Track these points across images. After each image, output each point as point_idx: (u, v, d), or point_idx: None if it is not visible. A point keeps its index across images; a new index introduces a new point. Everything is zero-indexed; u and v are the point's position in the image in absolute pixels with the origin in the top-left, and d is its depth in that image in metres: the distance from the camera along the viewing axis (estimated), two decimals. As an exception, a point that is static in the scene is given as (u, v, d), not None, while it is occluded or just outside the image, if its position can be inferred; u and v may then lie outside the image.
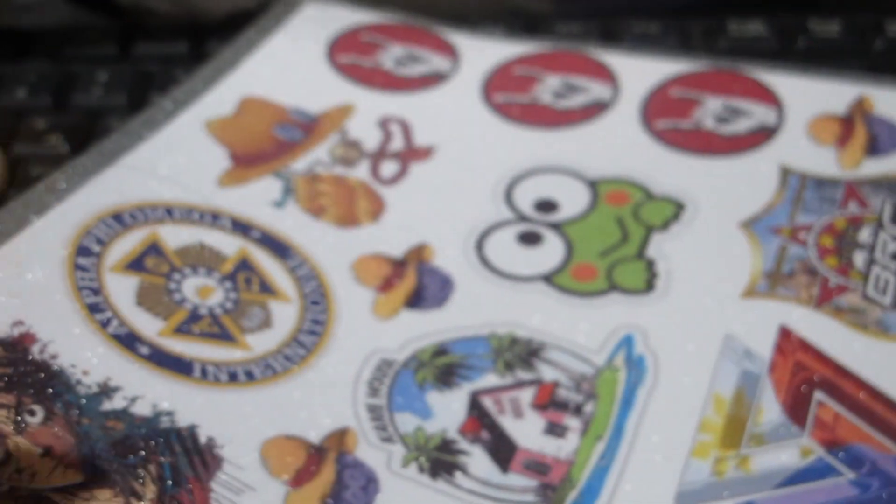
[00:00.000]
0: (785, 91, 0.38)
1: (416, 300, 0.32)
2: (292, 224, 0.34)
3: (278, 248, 0.33)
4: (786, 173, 0.34)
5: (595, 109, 0.38)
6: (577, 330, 0.31)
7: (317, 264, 0.32)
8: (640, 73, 0.39)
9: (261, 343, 0.30)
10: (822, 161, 0.35)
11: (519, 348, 0.30)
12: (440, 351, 0.30)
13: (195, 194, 0.34)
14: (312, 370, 0.30)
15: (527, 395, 0.30)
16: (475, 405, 0.29)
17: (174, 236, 0.32)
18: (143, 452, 0.27)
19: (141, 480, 0.26)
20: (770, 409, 0.29)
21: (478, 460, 0.28)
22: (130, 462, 0.27)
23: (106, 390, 0.28)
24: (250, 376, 0.29)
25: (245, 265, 0.32)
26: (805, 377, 0.29)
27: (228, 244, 0.32)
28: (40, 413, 0.27)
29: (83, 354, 0.28)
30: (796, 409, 0.29)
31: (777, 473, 0.28)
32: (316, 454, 0.28)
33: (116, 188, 0.33)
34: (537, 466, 0.28)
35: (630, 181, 0.35)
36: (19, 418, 0.26)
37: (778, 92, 0.37)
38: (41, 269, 0.30)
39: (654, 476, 0.28)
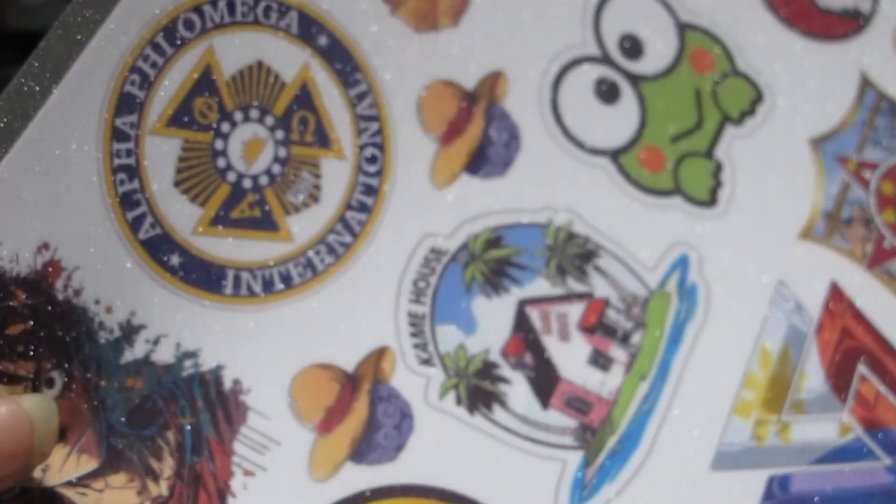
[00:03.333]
0: None
1: (479, 160, 0.27)
2: (366, 20, 0.27)
3: (344, 63, 0.27)
4: (864, 84, 0.31)
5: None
6: (635, 236, 0.28)
7: (381, 94, 0.27)
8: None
9: (304, 229, 0.26)
10: None
11: (574, 248, 0.27)
12: (494, 240, 0.27)
13: None
14: (356, 267, 0.26)
15: (575, 312, 0.27)
16: (521, 319, 0.26)
17: (230, 52, 0.26)
18: (162, 419, 0.24)
19: (159, 457, 0.24)
20: (813, 376, 0.28)
21: (518, 391, 0.26)
22: (148, 433, 0.24)
23: (128, 333, 0.25)
24: (287, 281, 0.26)
25: (304, 98, 0.27)
26: (850, 346, 0.28)
27: (290, 61, 0.27)
28: (59, 382, 0.24)
29: (109, 279, 0.25)
30: (839, 379, 0.28)
31: (815, 448, 0.27)
32: (349, 386, 0.25)
33: None
34: (578, 403, 0.26)
35: (719, 39, 0.30)
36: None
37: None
38: (72, 149, 0.25)
39: (695, 430, 0.26)
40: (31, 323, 0.24)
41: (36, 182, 0.25)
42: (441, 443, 0.25)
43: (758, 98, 0.31)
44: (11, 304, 0.24)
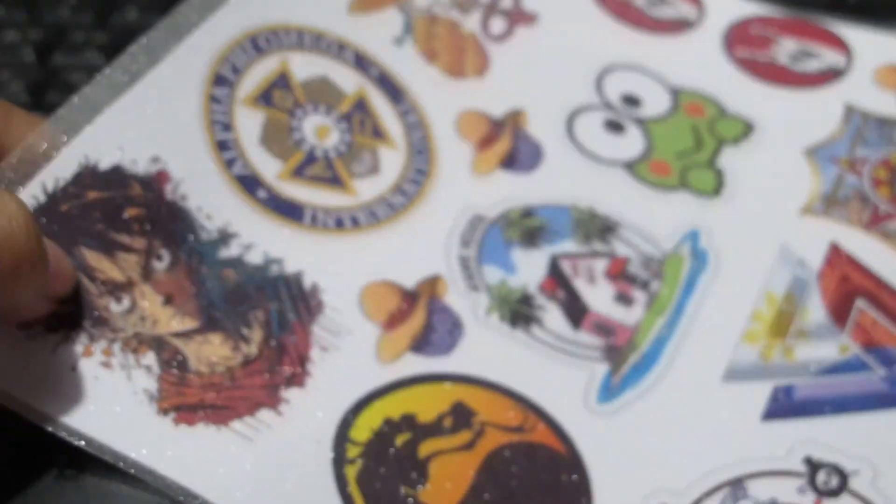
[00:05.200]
0: (854, 40, 0.40)
1: (510, 162, 0.35)
2: (408, 65, 0.36)
3: (393, 91, 0.35)
4: (850, 111, 0.37)
5: (681, 26, 0.40)
6: (650, 218, 0.34)
7: (425, 113, 0.35)
8: (725, 4, 0.42)
9: (367, 189, 0.33)
10: (885, 105, 0.38)
11: (597, 223, 0.33)
12: (527, 212, 0.34)
13: (325, 17, 0.36)
14: (411, 220, 0.33)
15: (601, 265, 0.33)
16: (554, 266, 0.32)
17: (302, 67, 0.34)
18: (252, 302, 0.30)
19: (249, 327, 0.29)
20: (815, 311, 0.32)
21: (553, 316, 0.32)
22: (241, 310, 0.30)
23: (224, 237, 0.30)
24: (355, 223, 0.32)
25: (361, 106, 0.35)
26: (849, 287, 0.33)
27: (349, 81, 0.35)
28: (167, 258, 0.29)
29: (209, 196, 0.31)
30: (839, 312, 0.32)
31: (816, 363, 0.31)
32: (409, 298, 0.31)
33: (254, 10, 0.35)
34: (605, 328, 0.32)
35: (708, 96, 0.38)
36: (148, 264, 0.29)
37: (847, 40, 0.40)
38: (181, 100, 0.32)
39: (708, 351, 0.31)
40: (145, 210, 0.29)
41: (153, 113, 0.31)
42: (486, 347, 0.31)
43: (749, 129, 0.37)
44: (130, 193, 0.29)
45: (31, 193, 0.28)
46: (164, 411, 0.27)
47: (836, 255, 0.34)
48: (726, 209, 0.34)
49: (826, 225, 0.34)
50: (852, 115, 0.37)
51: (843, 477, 0.29)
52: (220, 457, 0.27)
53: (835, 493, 0.29)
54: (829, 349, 0.32)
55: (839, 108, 0.38)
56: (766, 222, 0.34)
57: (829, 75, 0.39)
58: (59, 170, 0.29)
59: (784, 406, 0.30)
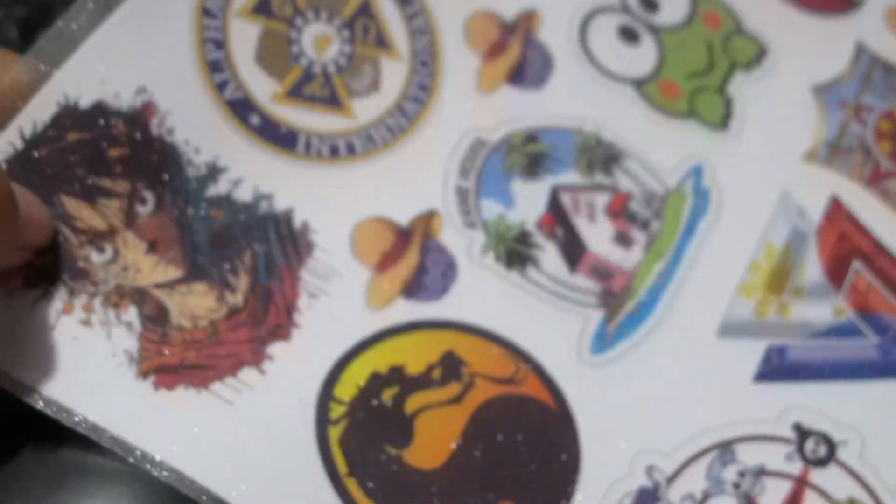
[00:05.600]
0: None
1: (518, 77, 0.32)
2: None
3: None
4: (860, 51, 0.36)
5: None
6: (655, 147, 0.32)
7: (433, 15, 0.32)
8: None
9: (365, 110, 0.30)
10: (893, 50, 0.36)
11: (601, 151, 0.31)
12: (531, 137, 0.31)
13: None
14: (410, 146, 0.30)
15: (602, 200, 0.31)
16: (554, 200, 0.30)
17: None
18: (238, 245, 0.28)
19: (235, 273, 0.28)
20: (812, 269, 0.31)
21: (549, 256, 0.30)
22: (227, 254, 0.28)
23: (212, 172, 0.28)
24: (351, 150, 0.30)
25: (366, 9, 0.31)
26: (847, 247, 0.32)
27: None
28: (151, 202, 0.27)
29: (197, 126, 0.28)
30: (835, 272, 0.31)
31: (811, 325, 0.30)
32: (402, 237, 0.29)
33: None
34: (602, 272, 0.30)
35: (727, 5, 0.35)
36: (131, 209, 0.27)
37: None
38: (171, 17, 0.29)
39: (704, 303, 0.30)
40: (129, 149, 0.28)
41: (138, 39, 0.29)
42: (480, 291, 0.29)
43: (762, 53, 0.35)
44: (113, 131, 0.28)
45: (8, 140, 0.26)
46: (143, 374, 0.26)
47: (837, 211, 0.32)
48: (732, 145, 0.33)
49: (828, 176, 0.33)
50: (862, 56, 0.36)
51: (832, 446, 0.29)
52: (199, 425, 0.26)
53: (822, 462, 0.29)
54: (824, 311, 0.31)
55: (850, 44, 0.36)
56: (770, 165, 0.33)
57: (846, 3, 0.37)
58: (36, 111, 0.27)
59: (776, 368, 0.30)
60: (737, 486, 0.28)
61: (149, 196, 0.27)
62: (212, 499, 0.25)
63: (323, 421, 0.26)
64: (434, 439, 0.27)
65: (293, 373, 0.27)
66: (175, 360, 0.26)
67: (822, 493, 0.28)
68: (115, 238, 0.27)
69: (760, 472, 0.28)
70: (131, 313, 0.26)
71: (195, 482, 0.25)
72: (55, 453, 0.25)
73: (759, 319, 0.30)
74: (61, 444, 0.26)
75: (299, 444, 0.26)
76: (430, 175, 0.30)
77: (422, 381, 0.27)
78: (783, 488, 0.28)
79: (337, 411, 0.27)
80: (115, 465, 0.25)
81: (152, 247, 0.27)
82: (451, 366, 0.28)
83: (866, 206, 0.33)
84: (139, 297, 0.27)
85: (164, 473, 0.25)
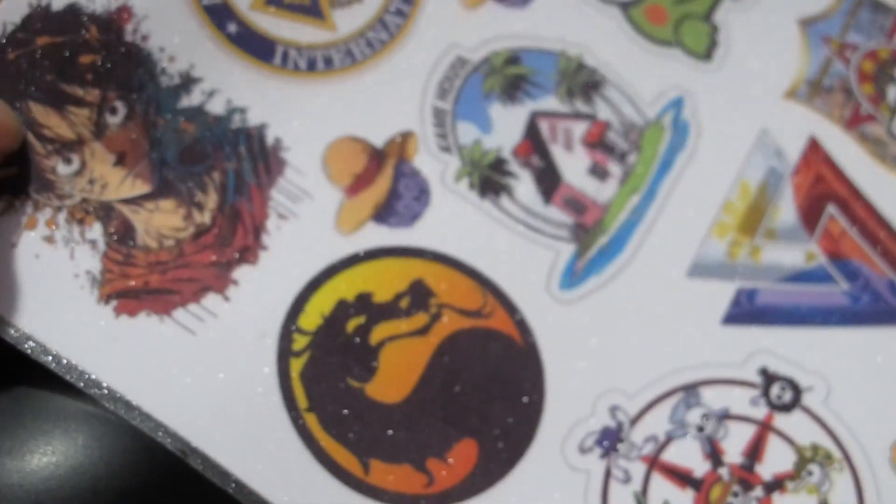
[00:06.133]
0: None
1: None
2: None
3: None
4: (847, -17, 0.35)
5: None
6: (638, 76, 0.31)
7: None
8: None
9: (346, 22, 0.29)
10: None
11: (583, 77, 0.30)
12: (512, 59, 0.30)
13: None
14: (388, 62, 0.29)
15: (580, 129, 0.30)
16: (532, 127, 0.29)
17: None
18: (209, 161, 0.27)
19: (204, 190, 0.26)
20: (786, 211, 0.31)
21: (524, 185, 0.29)
22: (196, 170, 0.27)
23: (186, 82, 0.27)
24: (328, 63, 0.29)
25: None
26: (822, 190, 0.31)
27: None
28: (121, 111, 0.26)
29: (173, 33, 0.27)
30: (809, 215, 0.31)
31: (782, 270, 0.30)
32: (376, 159, 0.28)
33: None
34: (576, 204, 0.29)
35: None
36: (101, 119, 0.26)
37: None
38: None
39: (676, 242, 0.30)
40: (101, 56, 0.27)
41: None
42: (452, 218, 0.28)
43: None
44: (86, 36, 0.26)
45: (-25, 42, 0.25)
46: (105, 299, 0.25)
47: (814, 152, 0.32)
48: (714, 77, 0.32)
49: (807, 115, 0.32)
50: (849, -10, 0.35)
51: (797, 392, 0.29)
52: (160, 356, 0.25)
53: (787, 407, 0.29)
54: (796, 255, 0.30)
55: (837, -25, 0.35)
56: (750, 100, 0.32)
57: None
58: (6, 13, 0.25)
59: (745, 311, 0.29)
60: (700, 429, 0.28)
61: (119, 106, 0.26)
62: (168, 434, 0.24)
63: (285, 353, 0.26)
64: (398, 372, 0.26)
65: (258, 300, 0.26)
66: (138, 284, 0.25)
67: (786, 438, 0.28)
68: (83, 149, 0.26)
69: (724, 416, 0.28)
70: (96, 231, 0.25)
71: (151, 417, 0.24)
72: (10, 390, 0.24)
73: (731, 261, 0.30)
74: (18, 379, 0.25)
75: (260, 377, 0.25)
76: (407, 94, 0.29)
77: (389, 311, 0.27)
78: (747, 432, 0.28)
79: (300, 342, 0.26)
80: (74, 403, 0.24)
81: (120, 159, 0.26)
82: (419, 295, 0.27)
83: (844, 150, 0.32)
84: (105, 213, 0.26)
85: (120, 407, 0.24)
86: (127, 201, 0.26)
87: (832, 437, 0.29)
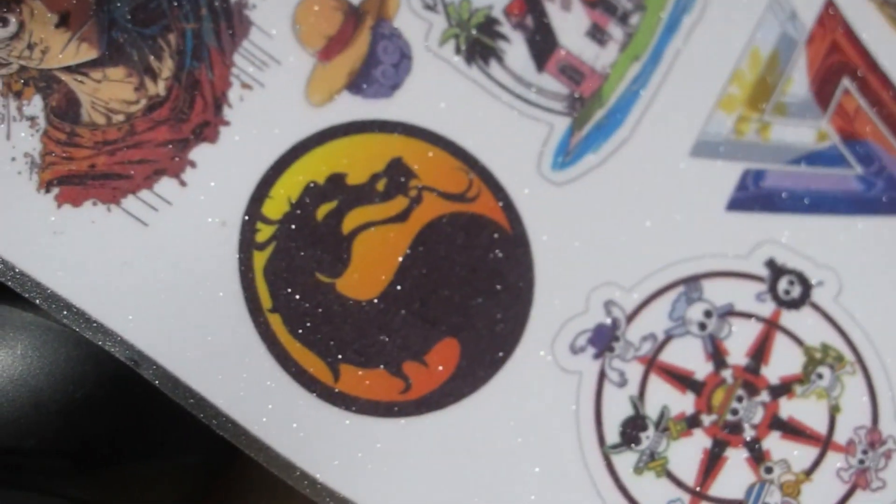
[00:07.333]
0: None
1: None
2: None
3: None
4: None
5: None
6: None
7: None
8: None
9: None
10: None
11: None
12: None
13: None
14: None
15: None
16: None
17: None
18: (165, 21, 0.23)
19: (158, 56, 0.23)
20: (798, 83, 0.28)
21: (516, 50, 0.25)
22: (150, 32, 0.23)
23: None
24: None
25: None
26: (838, 60, 0.28)
27: None
28: None
29: None
30: (822, 89, 0.28)
31: (792, 150, 0.27)
32: (353, 18, 0.24)
33: None
34: (572, 72, 0.26)
35: None
36: None
37: None
38: None
39: (679, 116, 0.26)
40: None
41: None
42: (436, 88, 0.25)
43: None
44: None
45: None
46: (46, 186, 0.21)
47: (831, 16, 0.28)
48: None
49: (826, -27, 0.29)
50: None
51: (807, 287, 0.26)
52: (106, 251, 0.21)
53: (795, 304, 0.26)
54: (807, 133, 0.27)
55: None
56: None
57: None
58: None
59: (752, 195, 0.27)
60: (702, 326, 0.26)
61: None
62: (116, 343, 0.20)
63: (247, 245, 0.23)
64: (372, 265, 0.23)
65: (218, 184, 0.23)
66: (83, 167, 0.22)
67: (794, 338, 0.26)
68: (21, 7, 0.22)
69: (728, 313, 0.26)
70: (36, 105, 0.22)
71: (97, 322, 0.21)
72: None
73: (738, 139, 0.27)
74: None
75: (219, 274, 0.22)
76: None
77: (363, 194, 0.23)
78: (752, 331, 0.26)
79: (264, 233, 0.23)
80: (10, 308, 0.21)
81: (63, 20, 0.22)
82: (397, 176, 0.24)
83: (862, 15, 0.29)
84: (45, 83, 0.22)
85: (61, 310, 0.21)
86: (71, 69, 0.22)
87: (844, 336, 0.26)
